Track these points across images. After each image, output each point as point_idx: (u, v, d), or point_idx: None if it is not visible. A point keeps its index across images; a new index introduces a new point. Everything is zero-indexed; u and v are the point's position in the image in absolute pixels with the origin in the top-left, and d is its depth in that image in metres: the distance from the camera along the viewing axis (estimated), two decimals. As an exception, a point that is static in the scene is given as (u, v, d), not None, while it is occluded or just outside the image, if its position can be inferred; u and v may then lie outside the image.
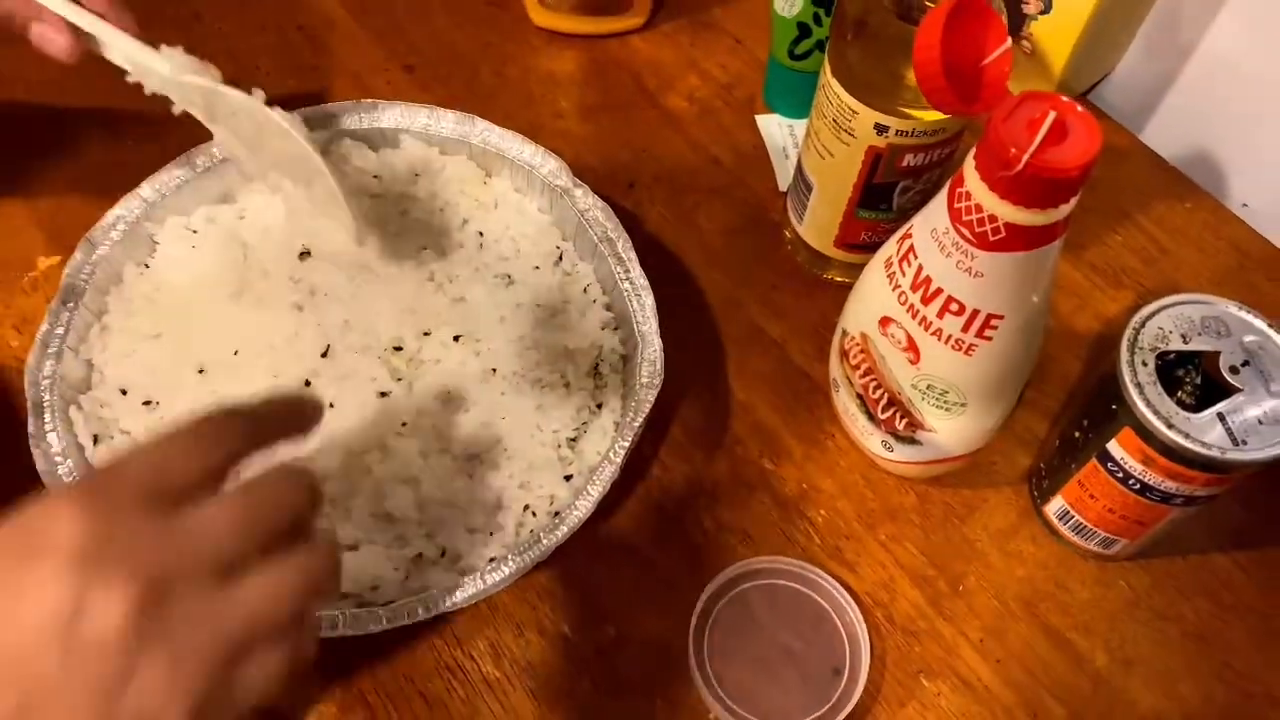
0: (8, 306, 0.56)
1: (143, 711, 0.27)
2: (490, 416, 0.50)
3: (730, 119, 0.65)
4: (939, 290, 0.42)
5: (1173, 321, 0.44)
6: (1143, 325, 0.44)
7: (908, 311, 0.44)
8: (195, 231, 0.55)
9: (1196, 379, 0.44)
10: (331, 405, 0.50)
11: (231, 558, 0.30)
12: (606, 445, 0.49)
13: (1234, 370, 0.43)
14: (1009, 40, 0.38)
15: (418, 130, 0.57)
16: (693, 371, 0.55)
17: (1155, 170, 0.64)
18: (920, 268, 0.42)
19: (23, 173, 0.61)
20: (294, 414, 0.35)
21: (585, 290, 0.54)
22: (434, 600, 0.45)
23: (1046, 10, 0.58)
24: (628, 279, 0.53)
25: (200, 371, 0.51)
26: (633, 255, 0.53)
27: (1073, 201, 0.38)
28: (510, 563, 0.45)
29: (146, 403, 0.50)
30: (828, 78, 0.49)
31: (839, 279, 0.58)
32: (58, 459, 0.47)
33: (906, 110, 0.47)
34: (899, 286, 0.44)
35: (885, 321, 0.45)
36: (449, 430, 0.50)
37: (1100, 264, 0.60)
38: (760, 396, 0.55)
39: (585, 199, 0.55)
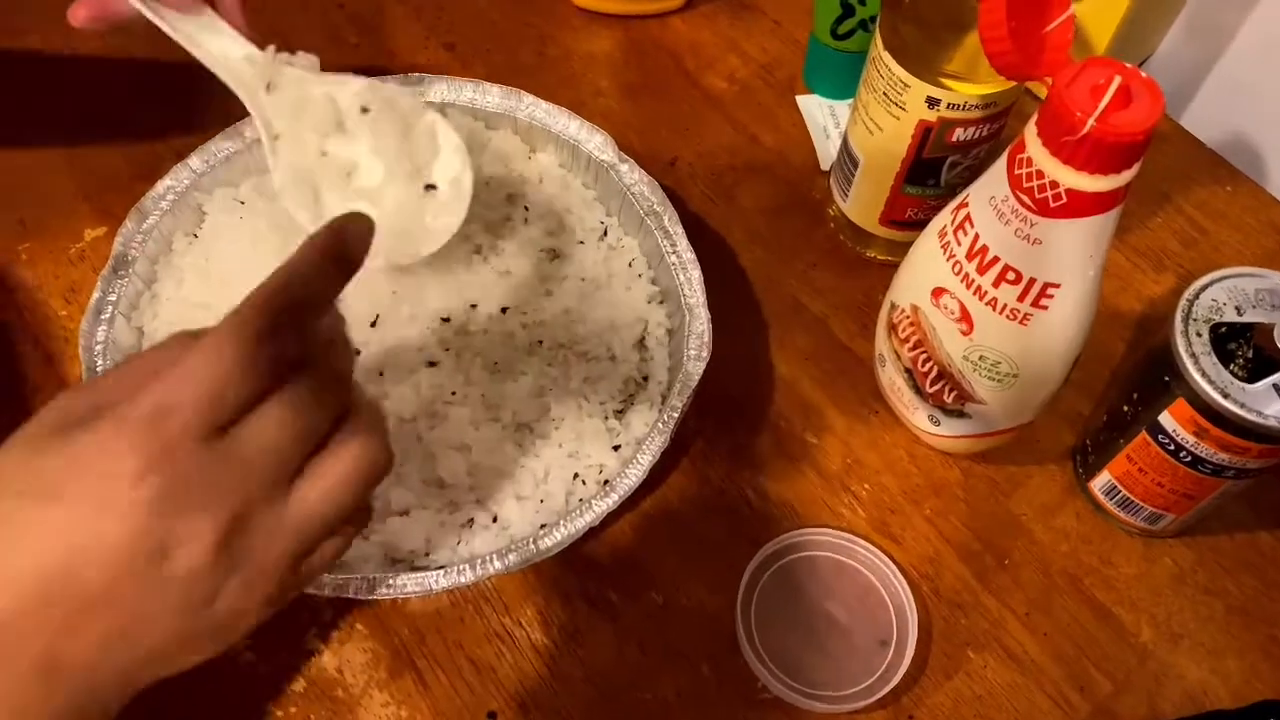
0: (56, 277, 0.57)
1: (227, 618, 0.30)
2: (538, 388, 0.50)
3: (770, 99, 0.65)
4: (996, 259, 0.42)
5: (1227, 294, 0.44)
6: (1197, 297, 0.44)
7: (962, 281, 0.44)
8: (243, 203, 0.55)
9: (1249, 352, 0.44)
10: (381, 374, 0.50)
11: (291, 467, 0.30)
12: (654, 417, 0.50)
13: (1289, 342, 0.43)
14: (1071, 7, 0.38)
15: (464, 104, 0.57)
16: (735, 347, 0.56)
17: (1195, 154, 0.64)
18: (977, 236, 0.42)
19: (68, 146, 0.61)
20: (337, 256, 0.33)
21: (631, 264, 0.55)
22: (485, 564, 0.45)
23: (1090, -9, 0.59)
24: (674, 252, 0.53)
25: (249, 340, 0.51)
26: (679, 229, 0.53)
27: (1135, 167, 0.38)
28: (560, 530, 0.46)
29: (196, 370, 0.50)
30: (879, 50, 0.49)
31: (881, 257, 0.58)
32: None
33: (958, 84, 0.47)
34: (954, 256, 0.44)
35: (938, 293, 0.45)
36: (498, 400, 0.50)
37: (1142, 246, 0.60)
38: (803, 371, 0.55)
39: (631, 174, 0.55)
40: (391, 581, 0.44)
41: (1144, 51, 0.66)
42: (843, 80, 0.64)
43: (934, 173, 0.52)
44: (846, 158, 0.56)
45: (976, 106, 0.48)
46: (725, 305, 0.56)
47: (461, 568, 0.45)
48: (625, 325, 0.53)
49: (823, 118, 0.64)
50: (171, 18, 0.48)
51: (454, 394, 0.49)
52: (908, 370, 0.50)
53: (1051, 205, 0.39)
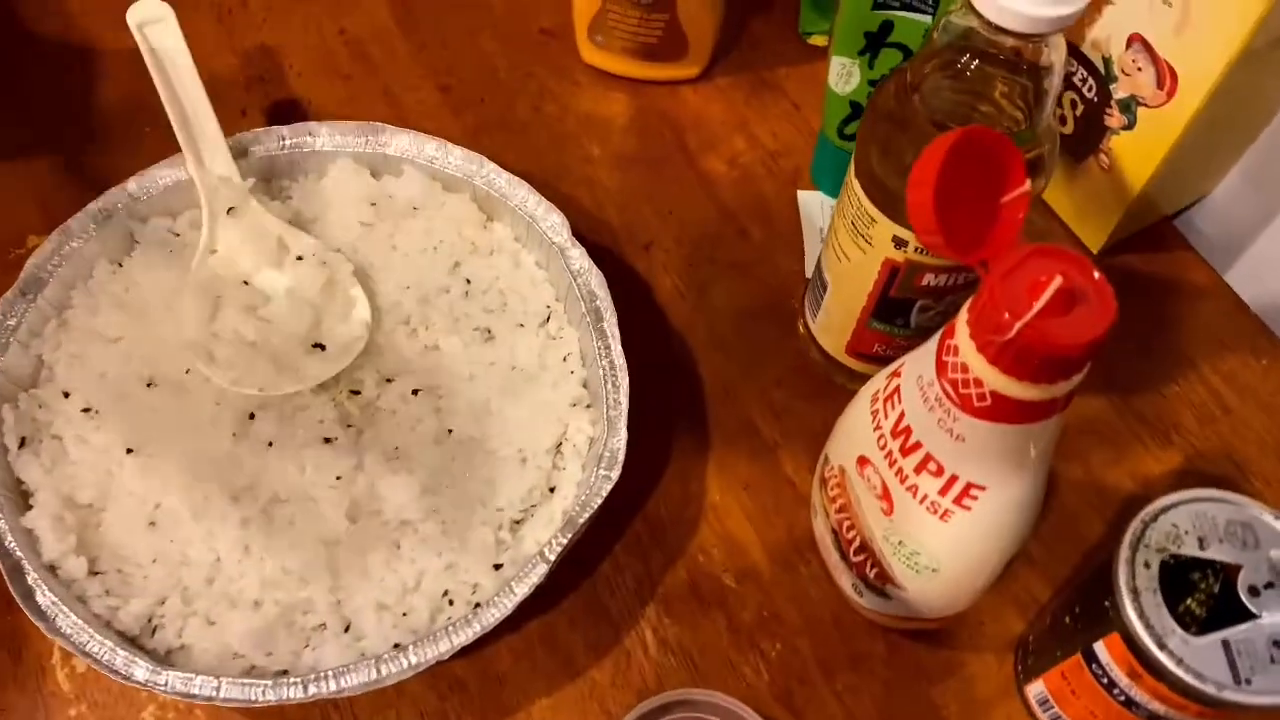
0: (-13, 283, 0.55)
1: None
2: (434, 483, 0.47)
3: (770, 190, 0.60)
4: (918, 444, 0.37)
5: (1192, 519, 0.38)
6: (1154, 519, 0.38)
7: (885, 458, 0.38)
8: (178, 235, 0.52)
9: (1214, 587, 0.37)
10: (270, 444, 0.46)
11: None
12: (548, 536, 0.45)
13: (1254, 592, 0.36)
14: (1027, 184, 0.33)
15: (423, 162, 0.54)
16: (671, 461, 0.51)
17: (1235, 316, 0.57)
18: (902, 414, 0.37)
19: (28, 144, 0.59)
20: None
21: (565, 359, 0.50)
22: (322, 681, 0.41)
23: (1130, 126, 0.52)
24: (607, 357, 0.49)
25: (149, 385, 0.48)
26: (616, 333, 0.49)
27: (1075, 379, 0.32)
28: (413, 654, 0.42)
29: (86, 410, 0.48)
30: (850, 176, 0.44)
31: (850, 386, 0.53)
32: (-25, 460, 0.45)
33: None
34: (880, 428, 0.39)
35: (863, 462, 0.40)
36: (386, 492, 0.46)
37: (1149, 414, 0.54)
38: (737, 502, 0.50)
39: (580, 260, 0.51)
40: (221, 684, 0.41)
41: (1195, 193, 0.59)
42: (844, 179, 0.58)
43: (903, 313, 0.47)
44: (818, 277, 0.50)
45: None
46: (670, 413, 0.52)
47: (299, 683, 0.41)
48: (544, 427, 0.48)
49: (822, 219, 0.59)
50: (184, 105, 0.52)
51: (338, 479, 0.46)
52: (834, 531, 0.45)
53: (975, 404, 0.33)
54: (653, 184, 0.60)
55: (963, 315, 0.33)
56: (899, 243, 0.43)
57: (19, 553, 0.43)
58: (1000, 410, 0.33)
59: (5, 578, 0.42)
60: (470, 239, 0.53)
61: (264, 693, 0.41)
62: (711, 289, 0.56)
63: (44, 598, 0.42)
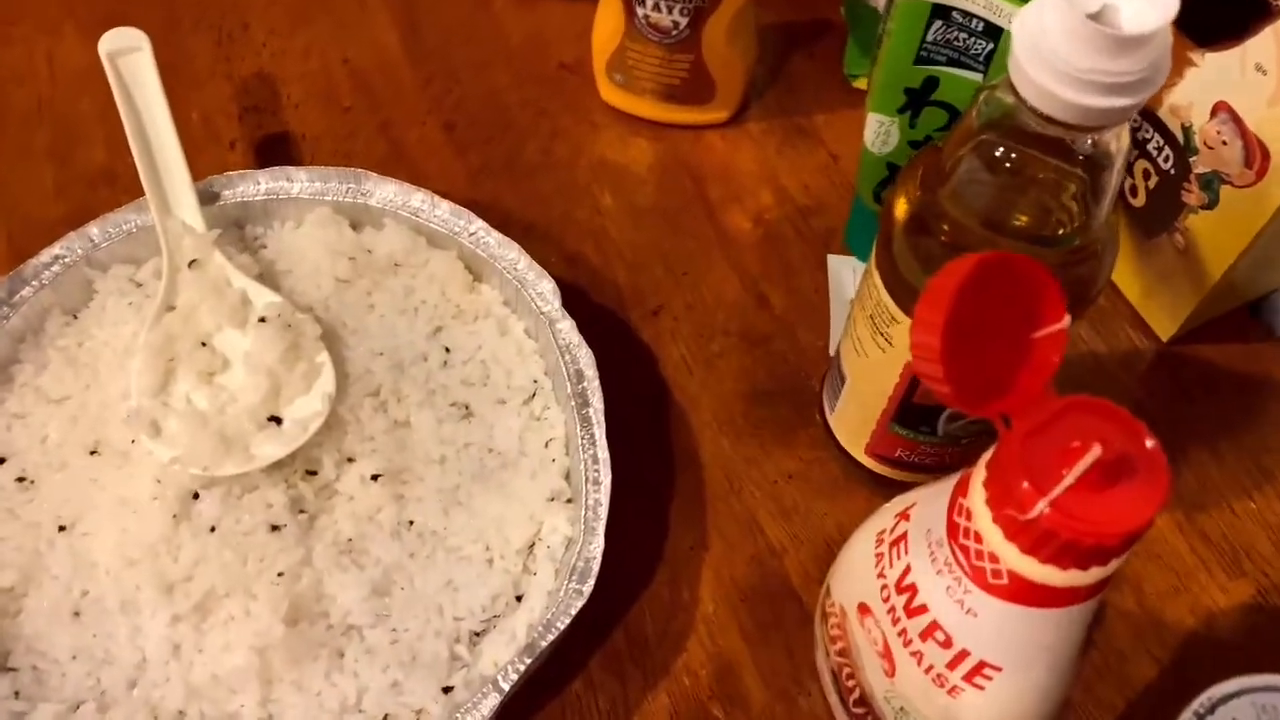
0: (-58, 323, 0.51)
1: None
2: (387, 583, 0.42)
3: (798, 253, 0.54)
4: (924, 607, 0.30)
5: (1255, 711, 0.31)
6: (1211, 711, 0.31)
7: (888, 613, 0.32)
8: (140, 285, 0.48)
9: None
10: (213, 529, 0.42)
11: None
12: (509, 656, 0.40)
13: (1332, 815, 0.30)
14: (1066, 320, 0.26)
15: (407, 215, 0.49)
16: (660, 563, 0.45)
17: (1324, 421, 0.49)
18: (909, 568, 0.31)
19: (12, 170, 0.56)
20: None
21: (547, 445, 0.45)
22: (236, 817, 0.36)
23: (1211, 205, 0.45)
24: (591, 449, 0.43)
25: (92, 453, 0.44)
26: (601, 420, 0.43)
27: (1113, 564, 0.26)
28: (340, 790, 0.37)
29: (20, 479, 0.44)
30: (871, 265, 0.38)
31: (871, 490, 0.47)
32: (-112, 534, 0.41)
33: None
34: (884, 576, 0.33)
35: (864, 610, 0.34)
36: (332, 591, 0.41)
37: (1217, 536, 0.46)
38: (733, 616, 0.44)
39: (569, 334, 0.45)
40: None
41: (1283, 278, 0.52)
42: None
43: (928, 420, 0.40)
44: (836, 367, 0.44)
45: None
46: (662, 507, 0.46)
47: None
48: (516, 524, 0.43)
49: (852, 287, 0.52)
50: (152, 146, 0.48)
51: (281, 575, 0.41)
52: (834, 674, 0.39)
53: (989, 580, 0.27)
54: (668, 240, 0.54)
55: (979, 472, 0.27)
56: None
57: (-79, 645, 0.39)
58: (1019, 592, 0.27)
59: (-95, 672, 0.38)
60: (455, 301, 0.48)
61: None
62: (722, 363, 0.51)
63: (-58, 701, 0.38)
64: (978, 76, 0.43)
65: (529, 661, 0.38)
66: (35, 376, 0.46)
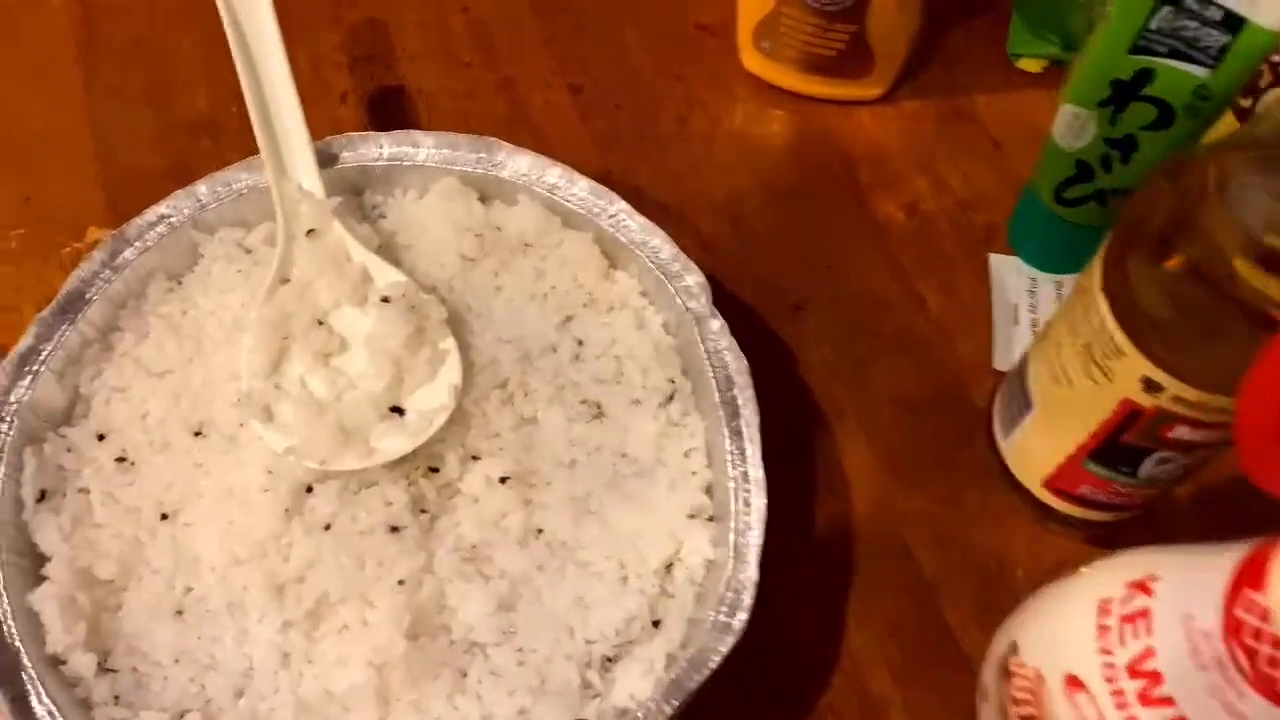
0: (38, 279, 0.48)
1: None
2: (513, 598, 0.38)
3: (956, 248, 0.49)
4: (1170, 700, 0.26)
5: None
6: None
7: (1112, 695, 0.28)
8: (250, 252, 0.44)
9: None
10: (328, 528, 0.39)
11: None
12: (648, 690, 0.36)
13: None
14: None
15: (542, 191, 0.44)
16: (799, 595, 0.41)
17: None
18: (1152, 651, 0.27)
19: (109, 115, 0.52)
20: None
21: (688, 455, 0.41)
22: None
23: None
24: (742, 466, 0.39)
25: (197, 434, 0.41)
26: (756, 437, 0.39)
27: None
28: (465, 831, 0.34)
29: (121, 459, 0.40)
30: (1094, 290, 0.33)
31: (1044, 525, 0.42)
32: (-17, 517, 0.38)
33: (1200, 377, 0.31)
34: (1110, 652, 0.28)
35: (1074, 683, 0.30)
36: (454, 603, 0.38)
37: None
38: (881, 652, 0.41)
39: (720, 337, 0.41)
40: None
41: None
42: (1058, 251, 0.47)
43: (1132, 461, 0.36)
44: (1019, 387, 0.40)
45: (1223, 411, 0.32)
46: (801, 526, 0.43)
47: None
48: (653, 541, 0.39)
49: (1017, 293, 0.48)
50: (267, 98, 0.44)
51: (401, 583, 0.38)
52: (1012, 738, 0.35)
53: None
54: (812, 228, 0.50)
55: (1277, 564, 0.23)
56: (1151, 386, 0.32)
57: (18, 644, 0.36)
58: (1325, 712, 0.23)
59: (-2, 673, 0.35)
60: (588, 289, 0.44)
61: None
62: (872, 369, 0.46)
63: (41, 706, 0.35)
64: (1203, 73, 0.38)
65: (676, 704, 0.35)
66: (135, 346, 0.43)
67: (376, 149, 0.45)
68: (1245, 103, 0.47)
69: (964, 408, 0.45)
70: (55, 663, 0.36)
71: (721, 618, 0.37)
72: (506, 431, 0.41)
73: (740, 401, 0.40)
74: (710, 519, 0.40)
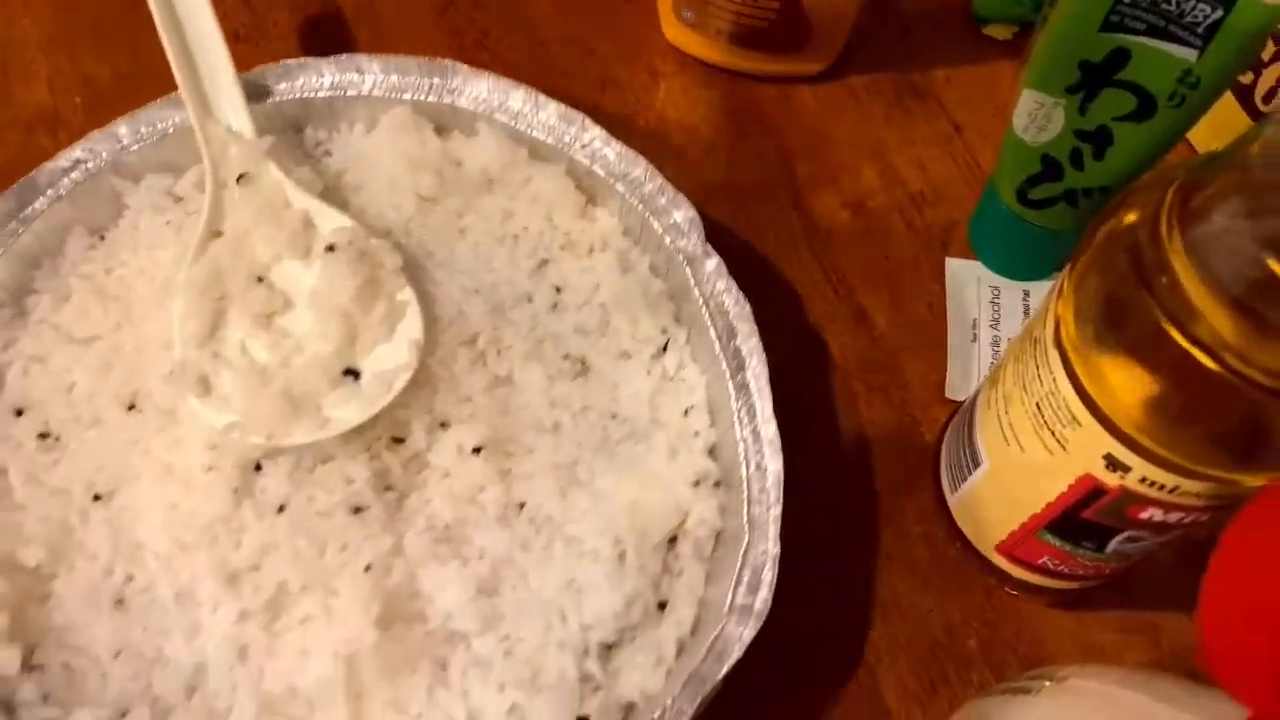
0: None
1: None
2: (495, 582, 0.34)
3: (909, 253, 0.43)
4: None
5: None
6: None
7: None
8: (180, 200, 0.39)
9: None
10: (281, 509, 0.34)
11: None
12: (658, 683, 0.32)
13: None
14: None
15: (504, 120, 0.40)
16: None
17: None
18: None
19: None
20: None
21: (687, 413, 0.37)
22: None
23: None
24: (751, 424, 0.35)
25: (130, 408, 0.36)
26: (765, 387, 0.35)
27: None
28: None
29: (44, 435, 0.36)
30: (1047, 343, 0.28)
31: (987, 581, 0.37)
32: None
33: (1173, 460, 0.26)
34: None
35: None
36: (429, 589, 0.33)
37: None
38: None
39: (717, 279, 0.37)
40: None
41: None
42: (1022, 257, 0.42)
43: (1096, 538, 0.31)
44: (966, 438, 0.35)
45: (1195, 496, 0.27)
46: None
47: None
48: (653, 513, 0.35)
49: (976, 304, 0.42)
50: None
51: (368, 567, 0.33)
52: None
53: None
54: (740, 229, 0.43)
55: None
56: (1115, 465, 0.27)
57: (-73, 637, 0.31)
58: None
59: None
60: (564, 229, 0.39)
61: None
62: (806, 397, 0.40)
63: (-49, 717, 0.31)
64: (1189, 55, 0.32)
65: (698, 700, 0.31)
66: (55, 311, 0.38)
67: (316, 78, 0.40)
68: (1247, 79, 0.43)
69: (912, 443, 0.39)
70: (-30, 665, 0.32)
71: (741, 599, 0.33)
72: (478, 394, 0.36)
73: (745, 351, 0.36)
74: (717, 485, 0.36)
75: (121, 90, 0.45)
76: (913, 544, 0.38)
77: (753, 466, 0.34)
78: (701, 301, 0.37)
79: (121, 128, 0.39)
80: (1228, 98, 0.43)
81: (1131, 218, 0.26)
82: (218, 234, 0.37)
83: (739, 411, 0.35)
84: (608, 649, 0.34)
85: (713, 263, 0.37)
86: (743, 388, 0.35)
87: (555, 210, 0.39)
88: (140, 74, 0.46)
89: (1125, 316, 0.26)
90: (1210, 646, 0.19)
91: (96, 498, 0.35)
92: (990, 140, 0.40)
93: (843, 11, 0.44)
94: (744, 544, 0.33)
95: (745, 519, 0.34)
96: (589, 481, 0.36)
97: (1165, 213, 0.24)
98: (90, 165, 0.38)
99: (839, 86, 0.47)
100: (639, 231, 0.39)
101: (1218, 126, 0.37)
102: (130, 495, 0.35)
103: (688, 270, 0.37)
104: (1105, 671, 0.27)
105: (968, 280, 0.43)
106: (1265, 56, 0.42)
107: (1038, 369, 0.29)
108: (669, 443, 0.36)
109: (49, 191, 0.38)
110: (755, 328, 0.36)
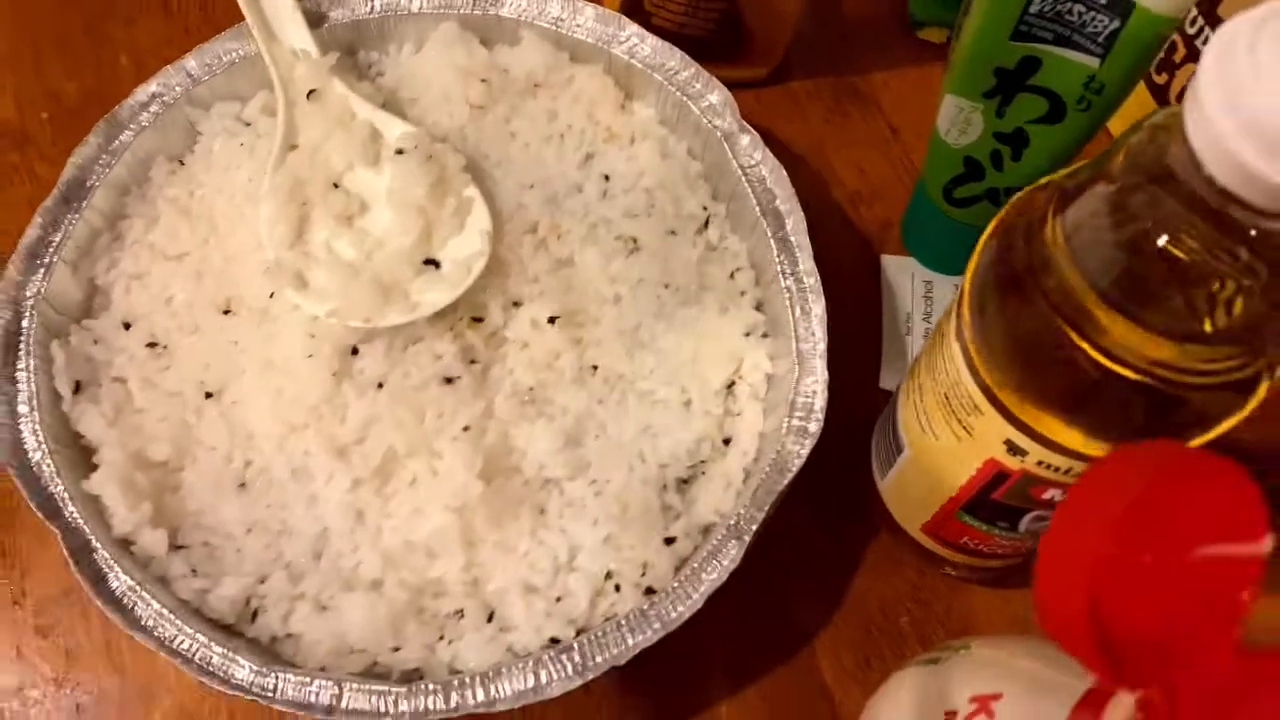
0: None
1: None
2: (579, 432, 0.38)
3: (847, 252, 0.46)
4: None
5: None
6: None
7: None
8: (249, 125, 0.43)
9: None
10: (380, 386, 0.38)
11: None
12: (730, 503, 0.36)
13: None
14: (1266, 541, 0.19)
15: (545, 25, 0.43)
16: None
17: None
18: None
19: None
20: None
21: (733, 276, 0.41)
22: (468, 688, 0.33)
23: None
24: (793, 274, 0.39)
25: (226, 312, 0.39)
26: (805, 241, 0.39)
27: None
28: (575, 655, 0.33)
29: (152, 345, 0.39)
30: (950, 336, 0.31)
31: (919, 561, 0.40)
32: (22, 410, 0.36)
33: (1071, 435, 0.28)
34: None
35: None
36: (522, 443, 0.37)
37: None
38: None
39: (752, 152, 0.41)
40: (334, 689, 0.33)
41: None
42: (950, 252, 0.45)
43: (1008, 517, 0.34)
44: (891, 427, 0.38)
45: None
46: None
47: (438, 692, 0.33)
48: (712, 362, 0.39)
49: (910, 298, 0.45)
50: None
51: (466, 429, 0.37)
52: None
53: None
54: None
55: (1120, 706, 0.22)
56: (1015, 450, 0.30)
57: (85, 526, 0.35)
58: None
59: (70, 559, 0.34)
60: (605, 123, 0.43)
61: (397, 703, 0.33)
62: None
63: (119, 582, 0.34)
64: (1092, 62, 0.35)
65: (767, 508, 0.35)
66: (147, 232, 0.41)
67: (366, 2, 0.43)
68: (1162, 80, 0.45)
69: (848, 433, 0.40)
70: (125, 544, 0.35)
71: (796, 422, 0.37)
72: (544, 275, 0.40)
73: (784, 210, 0.40)
74: (765, 335, 0.40)
75: (88, 105, 0.47)
76: (849, 527, 0.41)
77: (798, 311, 0.38)
78: (740, 172, 0.40)
79: (190, 61, 0.42)
80: (1146, 97, 0.46)
81: (1019, 220, 0.28)
82: (293, 147, 0.40)
83: (781, 264, 0.39)
84: (682, 483, 0.38)
85: (748, 138, 0.41)
86: (784, 242, 0.39)
87: (596, 107, 0.43)
88: (106, 89, 0.47)
89: (1014, 312, 0.28)
90: (1041, 602, 0.21)
91: (208, 395, 0.38)
92: (925, 142, 0.42)
93: (784, 19, 0.46)
94: (794, 378, 0.37)
95: (795, 356, 0.38)
96: (651, 342, 0.39)
97: (1049, 215, 0.26)
98: (166, 98, 0.42)
99: (780, 91, 0.49)
100: (675, 120, 0.43)
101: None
102: (237, 390, 0.38)
103: (725, 146, 0.41)
104: (1006, 641, 0.30)
105: (902, 275, 0.45)
106: (1177, 58, 0.44)
107: (944, 361, 0.32)
108: (719, 302, 0.40)
109: (131, 125, 0.41)
110: (793, 190, 0.40)
